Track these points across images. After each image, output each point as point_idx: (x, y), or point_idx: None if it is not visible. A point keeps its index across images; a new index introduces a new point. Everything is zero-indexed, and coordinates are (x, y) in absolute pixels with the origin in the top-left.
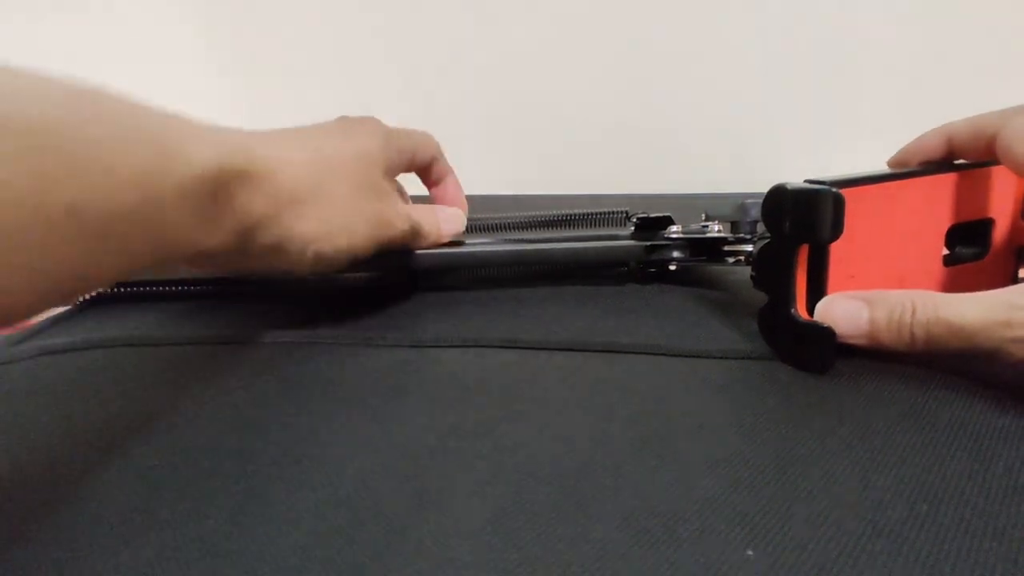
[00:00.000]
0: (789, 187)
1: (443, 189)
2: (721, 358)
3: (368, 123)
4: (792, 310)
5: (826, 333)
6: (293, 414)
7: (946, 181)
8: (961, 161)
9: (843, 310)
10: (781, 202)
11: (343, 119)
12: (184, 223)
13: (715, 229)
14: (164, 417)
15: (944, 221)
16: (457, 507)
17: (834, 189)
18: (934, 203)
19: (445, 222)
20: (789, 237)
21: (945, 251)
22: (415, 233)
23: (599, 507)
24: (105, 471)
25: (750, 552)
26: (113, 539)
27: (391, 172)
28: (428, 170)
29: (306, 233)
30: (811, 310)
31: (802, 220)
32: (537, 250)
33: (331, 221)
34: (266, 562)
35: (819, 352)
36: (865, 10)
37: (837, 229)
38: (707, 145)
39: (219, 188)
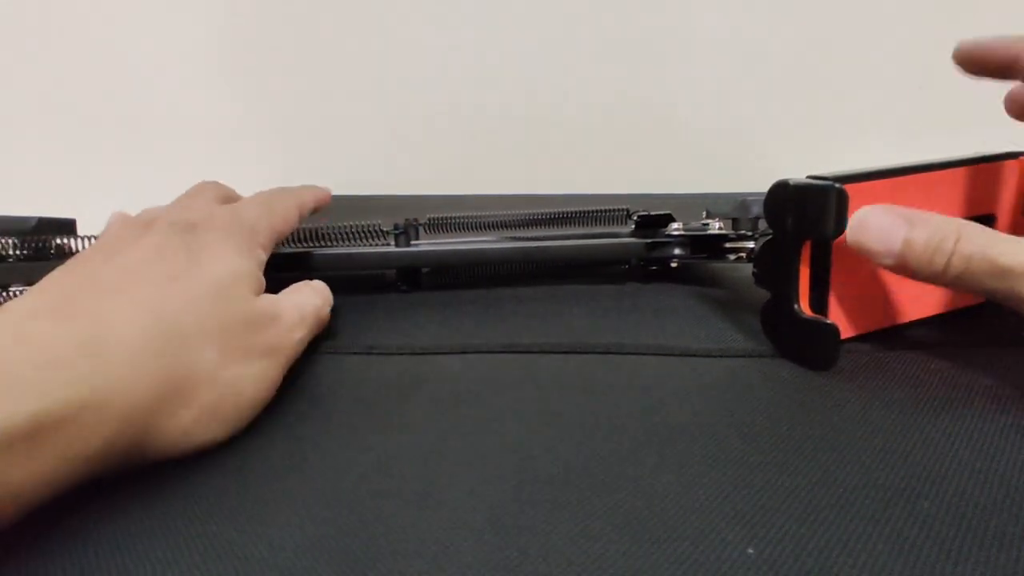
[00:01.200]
0: (792, 183)
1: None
2: (721, 356)
3: (219, 233)
4: (795, 306)
5: (830, 329)
6: (297, 422)
7: (948, 177)
8: (971, 155)
9: (879, 224)
10: (784, 198)
11: (175, 232)
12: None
13: (716, 226)
14: None
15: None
16: (457, 507)
17: (837, 185)
18: (936, 198)
19: (327, 304)
20: (792, 233)
21: None
22: (320, 323)
23: (599, 506)
24: (111, 479)
25: (751, 550)
26: (120, 544)
27: (262, 282)
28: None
29: (170, 436)
30: (814, 306)
31: (805, 216)
32: (538, 248)
33: (202, 404)
34: (268, 563)
35: (822, 348)
36: (864, 9)
37: (841, 225)
38: (707, 144)
39: (24, 441)
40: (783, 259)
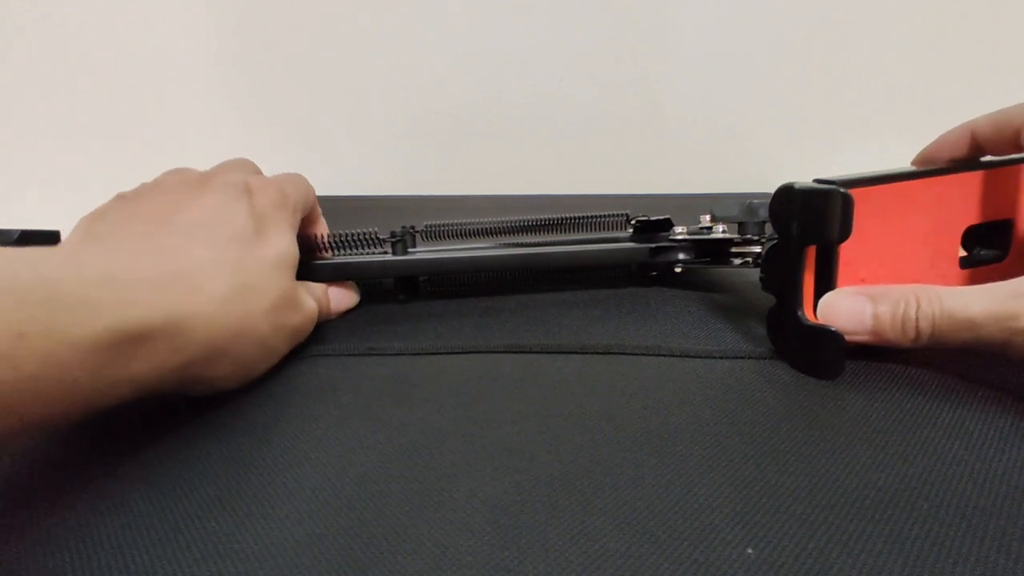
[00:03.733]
0: (797, 187)
1: (314, 229)
2: (721, 358)
3: (272, 206)
4: (799, 313)
5: (835, 337)
6: (297, 420)
7: (961, 181)
8: (988, 158)
9: (846, 307)
10: (789, 202)
11: (234, 194)
12: (75, 388)
13: (719, 230)
14: (173, 427)
15: (960, 222)
16: (456, 507)
17: (843, 189)
18: (948, 203)
19: (335, 302)
20: (797, 238)
21: (963, 253)
22: (320, 320)
23: (599, 506)
24: (114, 475)
25: (750, 551)
26: (121, 539)
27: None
28: (307, 216)
29: (217, 375)
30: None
31: (810, 220)
32: (539, 254)
33: (247, 358)
34: (268, 561)
35: (826, 357)
36: (867, 9)
37: (846, 230)
38: (707, 144)
39: (113, 351)
40: (787, 264)
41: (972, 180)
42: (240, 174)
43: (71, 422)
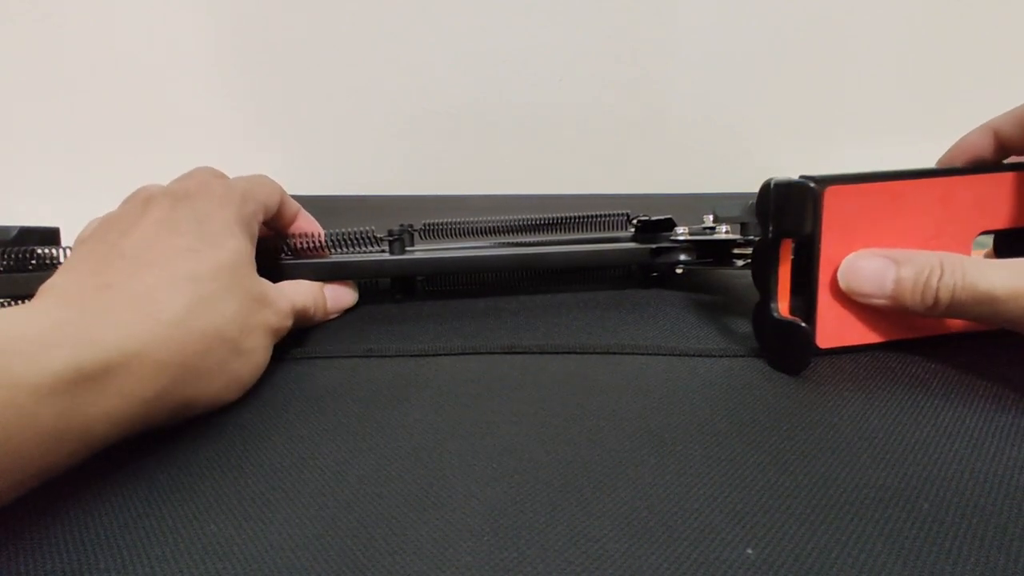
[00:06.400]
0: (773, 182)
1: (300, 227)
2: (720, 357)
3: (216, 202)
4: (771, 305)
5: (801, 332)
6: (296, 424)
7: (971, 183)
8: (1012, 160)
9: (870, 268)
10: (766, 198)
11: (174, 203)
12: (37, 435)
13: (723, 230)
14: (171, 431)
15: (972, 226)
16: (457, 507)
17: (811, 183)
18: (955, 206)
19: (332, 300)
20: (773, 232)
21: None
22: (301, 318)
23: (599, 507)
24: (114, 479)
25: (750, 551)
26: (120, 541)
27: (255, 262)
28: (278, 215)
29: (208, 394)
30: (799, 310)
31: (784, 215)
32: (539, 254)
33: (229, 367)
34: (268, 563)
35: (792, 351)
36: (867, 10)
37: (815, 224)
38: (708, 144)
39: (76, 390)
40: (766, 258)
41: (986, 183)
42: (182, 181)
43: (61, 469)
